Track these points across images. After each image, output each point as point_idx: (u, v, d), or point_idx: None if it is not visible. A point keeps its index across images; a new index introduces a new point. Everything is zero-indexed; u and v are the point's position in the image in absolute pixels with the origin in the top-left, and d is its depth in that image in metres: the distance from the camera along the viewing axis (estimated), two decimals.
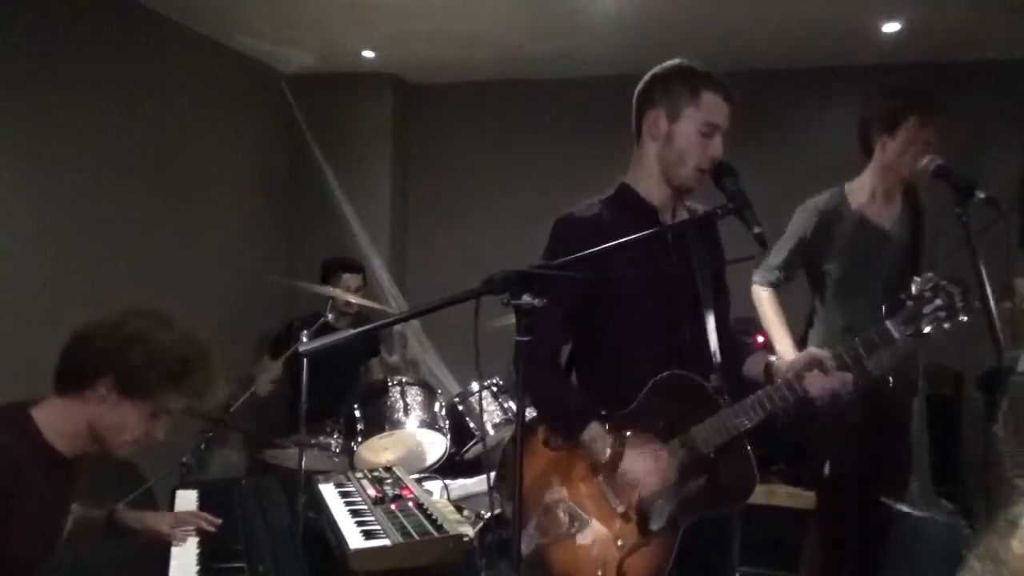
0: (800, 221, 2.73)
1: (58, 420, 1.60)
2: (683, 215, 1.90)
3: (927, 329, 1.73)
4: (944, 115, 2.57)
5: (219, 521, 2.06)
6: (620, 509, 1.76)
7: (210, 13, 3.99)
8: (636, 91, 1.89)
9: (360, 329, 1.42)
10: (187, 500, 2.28)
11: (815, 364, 1.75)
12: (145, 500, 3.16)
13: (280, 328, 4.18)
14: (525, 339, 1.39)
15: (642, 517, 1.74)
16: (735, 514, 1.99)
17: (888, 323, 1.75)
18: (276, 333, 4.18)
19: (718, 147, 1.78)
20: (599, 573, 1.74)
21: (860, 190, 2.69)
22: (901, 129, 2.55)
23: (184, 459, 3.03)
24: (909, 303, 1.75)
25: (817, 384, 1.74)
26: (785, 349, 2.63)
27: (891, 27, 3.87)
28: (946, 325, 1.72)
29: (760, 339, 4.10)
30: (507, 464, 1.95)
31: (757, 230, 1.62)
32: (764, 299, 2.79)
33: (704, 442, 1.75)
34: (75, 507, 2.00)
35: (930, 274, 1.77)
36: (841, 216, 2.67)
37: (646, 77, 1.89)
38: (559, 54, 4.47)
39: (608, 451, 1.74)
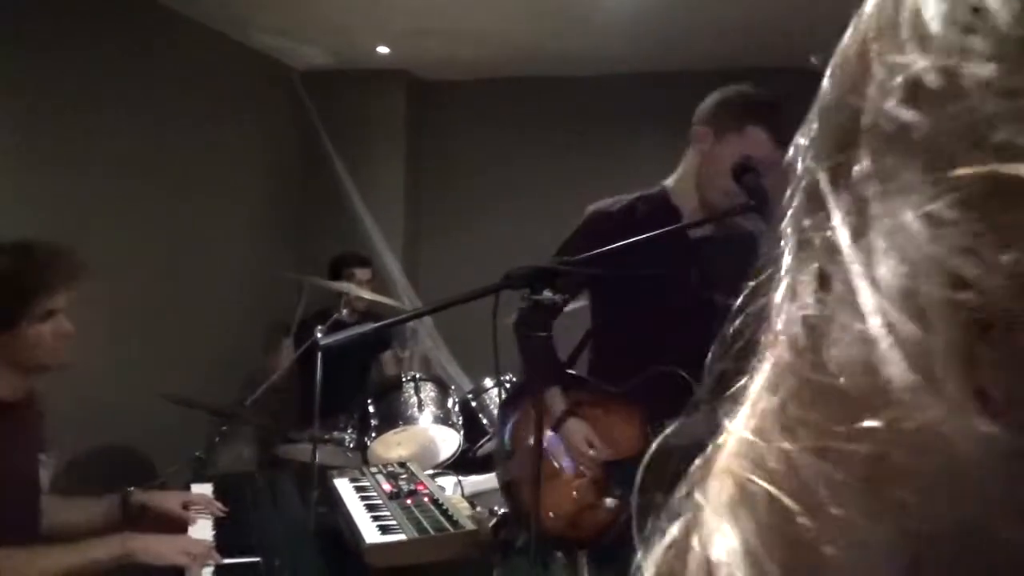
0: None
1: None
2: (712, 228, 1.96)
3: None
4: None
5: (226, 509, 2.08)
6: (583, 470, 1.93)
7: (224, 9, 4.00)
8: (700, 105, 1.95)
9: (381, 323, 1.42)
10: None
11: None
12: None
13: (296, 323, 4.16)
14: (545, 335, 1.39)
15: (604, 480, 1.91)
16: None
17: None
18: (296, 327, 4.11)
19: (753, 178, 1.82)
20: (551, 515, 1.91)
21: None
22: None
23: (197, 453, 3.05)
24: None
25: None
26: None
27: None
28: None
29: None
30: (506, 408, 2.17)
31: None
32: None
33: (674, 436, 1.79)
34: (88, 501, 2.00)
35: None
36: None
37: (713, 93, 1.94)
38: (574, 52, 4.46)
39: (557, 415, 1.93)
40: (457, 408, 3.38)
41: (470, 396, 3.51)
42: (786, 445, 0.21)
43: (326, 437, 3.20)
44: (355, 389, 3.53)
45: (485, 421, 3.41)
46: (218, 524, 2.06)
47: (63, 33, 3.39)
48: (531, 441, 1.96)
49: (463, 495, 2.74)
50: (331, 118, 4.98)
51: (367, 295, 3.53)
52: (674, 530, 0.26)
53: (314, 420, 2.96)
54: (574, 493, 1.94)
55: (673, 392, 1.84)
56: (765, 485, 0.21)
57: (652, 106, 4.35)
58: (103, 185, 3.62)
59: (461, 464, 3.33)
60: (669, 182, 1.99)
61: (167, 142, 3.98)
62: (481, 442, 3.40)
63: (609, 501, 1.88)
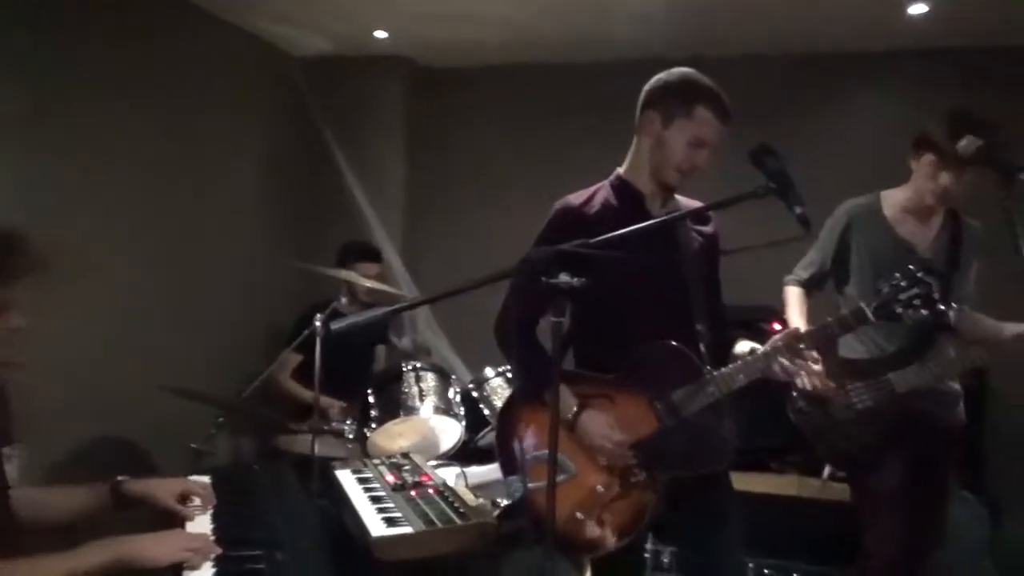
0: (830, 221, 2.64)
1: None
2: (671, 206, 2.04)
3: (900, 312, 1.86)
4: (966, 167, 2.35)
5: (214, 501, 2.00)
6: (603, 461, 1.92)
7: None
8: (643, 90, 2.02)
9: (393, 308, 1.37)
10: None
11: (792, 338, 1.86)
12: None
13: (298, 317, 4.06)
14: (560, 320, 1.35)
15: (625, 468, 1.90)
16: (731, 497, 2.04)
17: (862, 305, 1.90)
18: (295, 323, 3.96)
19: (703, 158, 1.94)
20: (578, 515, 1.90)
21: (896, 203, 2.57)
22: (920, 161, 2.46)
23: (193, 445, 2.99)
24: (885, 289, 1.88)
25: (788, 360, 1.85)
26: None
27: (917, 9, 3.79)
28: (923, 312, 1.85)
29: (777, 326, 4.06)
30: (503, 430, 2.15)
31: (799, 210, 1.59)
32: (788, 296, 2.75)
33: (683, 406, 1.89)
34: (69, 490, 1.93)
35: (910, 266, 1.88)
36: (871, 223, 2.56)
37: (653, 79, 2.02)
38: (576, 38, 4.41)
39: (570, 413, 1.91)
40: (458, 398, 3.33)
41: (471, 386, 3.46)
42: None
43: (326, 428, 3.15)
44: (357, 380, 3.47)
45: (487, 411, 3.36)
46: (216, 517, 2.00)
47: (58, 16, 3.33)
48: (532, 447, 1.97)
49: (467, 486, 2.70)
50: (330, 106, 4.93)
51: (370, 284, 3.47)
52: None
53: (314, 411, 2.91)
54: (599, 488, 1.92)
55: (670, 366, 1.91)
56: None
57: None
58: (97, 173, 3.56)
59: (463, 455, 3.29)
60: (622, 170, 2.06)
61: (164, 128, 3.93)
62: (483, 432, 3.36)
63: (639, 476, 1.90)
